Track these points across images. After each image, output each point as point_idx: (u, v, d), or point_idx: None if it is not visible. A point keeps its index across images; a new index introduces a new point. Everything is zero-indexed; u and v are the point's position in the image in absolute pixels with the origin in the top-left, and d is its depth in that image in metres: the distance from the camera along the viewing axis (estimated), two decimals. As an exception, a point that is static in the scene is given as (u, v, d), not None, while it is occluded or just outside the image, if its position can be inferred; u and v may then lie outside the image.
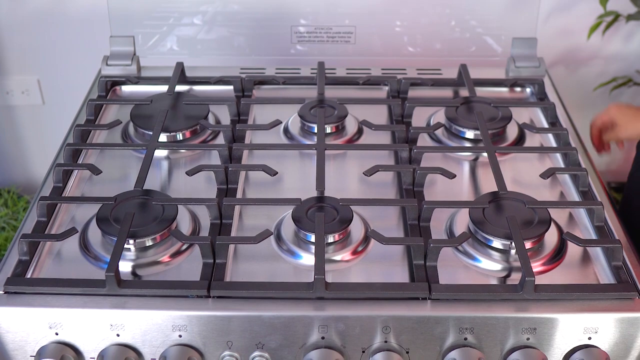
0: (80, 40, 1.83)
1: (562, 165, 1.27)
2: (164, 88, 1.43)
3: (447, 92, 1.49)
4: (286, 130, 1.35)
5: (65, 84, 1.90)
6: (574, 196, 1.20)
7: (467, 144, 1.31)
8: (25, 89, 1.94)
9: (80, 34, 1.83)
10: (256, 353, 0.99)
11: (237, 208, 1.15)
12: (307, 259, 1.05)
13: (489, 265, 1.06)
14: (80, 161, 1.27)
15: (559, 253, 1.08)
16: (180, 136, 1.32)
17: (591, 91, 1.93)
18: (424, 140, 1.32)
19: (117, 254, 1.00)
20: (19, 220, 1.91)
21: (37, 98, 1.96)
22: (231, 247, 1.08)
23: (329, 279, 1.01)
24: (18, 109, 1.98)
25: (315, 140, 1.27)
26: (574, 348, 0.99)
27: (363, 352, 0.99)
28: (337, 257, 1.06)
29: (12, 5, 1.80)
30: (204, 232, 1.11)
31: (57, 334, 0.98)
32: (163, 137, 1.30)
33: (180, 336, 0.98)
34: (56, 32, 1.84)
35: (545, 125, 1.38)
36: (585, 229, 1.14)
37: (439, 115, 1.37)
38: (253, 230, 1.06)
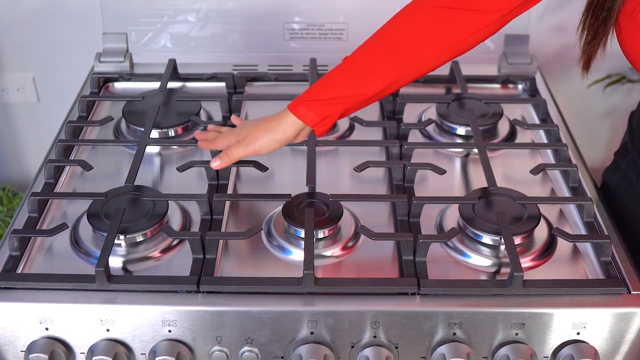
0: (75, 37, 1.83)
1: (553, 162, 1.27)
2: (156, 85, 1.44)
3: (438, 89, 1.49)
4: (278, 127, 1.35)
5: (61, 81, 1.89)
6: (564, 192, 1.21)
7: (458, 140, 1.32)
8: (20, 87, 1.94)
9: (75, 32, 1.83)
10: (245, 348, 0.99)
11: (227, 204, 1.15)
12: (297, 254, 1.06)
13: (479, 261, 1.06)
14: (72, 157, 1.27)
15: (548, 249, 1.08)
16: (172, 132, 1.32)
17: (585, 88, 1.93)
18: (415, 136, 1.33)
19: (107, 250, 1.00)
20: (14, 218, 1.91)
21: (32, 95, 1.96)
22: (221, 242, 1.08)
23: (319, 274, 1.01)
24: (13, 106, 1.98)
25: (307, 136, 1.27)
26: (562, 343, 0.99)
27: (352, 347, 1.00)
28: (327, 253, 1.07)
29: (7, 3, 1.80)
30: (195, 227, 1.11)
31: (47, 329, 0.98)
32: (155, 134, 1.30)
33: (170, 331, 0.98)
34: (51, 29, 1.83)
35: (537, 121, 1.38)
36: (575, 224, 1.14)
37: (431, 112, 1.38)
38: (243, 226, 1.07)
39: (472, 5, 1.04)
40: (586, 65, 1.10)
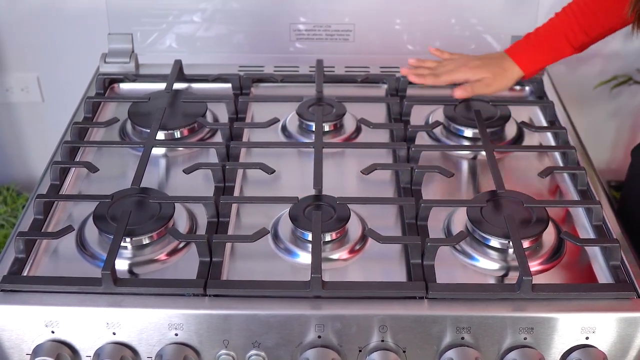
0: (80, 37, 1.83)
1: (561, 164, 1.27)
2: (162, 86, 1.43)
3: (445, 91, 1.48)
4: (284, 129, 1.35)
5: (65, 81, 1.89)
6: (573, 195, 1.20)
7: (466, 143, 1.31)
8: (24, 86, 1.93)
9: (80, 31, 1.82)
10: (252, 352, 0.99)
11: (234, 206, 1.15)
12: (304, 257, 1.05)
13: (487, 265, 1.05)
14: (77, 159, 1.27)
15: (557, 252, 1.07)
16: (177, 134, 1.31)
17: (591, 89, 1.92)
18: (422, 138, 1.32)
19: (113, 252, 1.00)
20: (18, 218, 1.90)
21: (36, 95, 1.95)
22: (228, 245, 1.07)
23: (326, 277, 1.01)
24: (17, 106, 1.98)
25: (313, 138, 1.26)
26: (571, 348, 0.99)
27: (360, 351, 0.99)
28: (334, 256, 1.06)
29: (11, 2, 1.79)
30: (201, 230, 1.10)
31: (53, 332, 0.98)
32: (161, 135, 1.29)
33: (176, 335, 0.98)
34: (55, 29, 1.83)
35: (544, 124, 1.38)
36: (584, 228, 1.13)
37: (438, 114, 1.37)
38: (250, 229, 1.06)
39: None
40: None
